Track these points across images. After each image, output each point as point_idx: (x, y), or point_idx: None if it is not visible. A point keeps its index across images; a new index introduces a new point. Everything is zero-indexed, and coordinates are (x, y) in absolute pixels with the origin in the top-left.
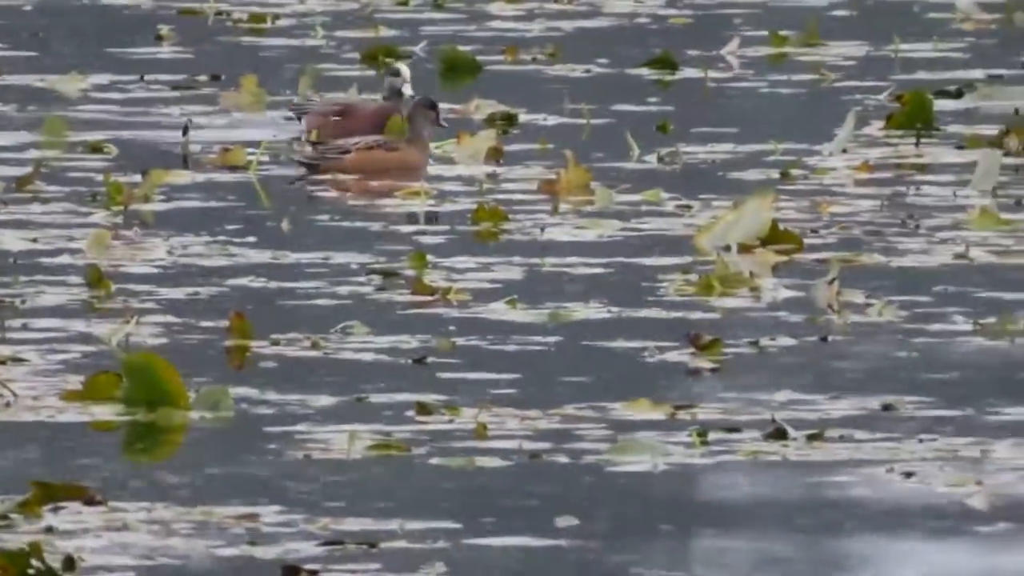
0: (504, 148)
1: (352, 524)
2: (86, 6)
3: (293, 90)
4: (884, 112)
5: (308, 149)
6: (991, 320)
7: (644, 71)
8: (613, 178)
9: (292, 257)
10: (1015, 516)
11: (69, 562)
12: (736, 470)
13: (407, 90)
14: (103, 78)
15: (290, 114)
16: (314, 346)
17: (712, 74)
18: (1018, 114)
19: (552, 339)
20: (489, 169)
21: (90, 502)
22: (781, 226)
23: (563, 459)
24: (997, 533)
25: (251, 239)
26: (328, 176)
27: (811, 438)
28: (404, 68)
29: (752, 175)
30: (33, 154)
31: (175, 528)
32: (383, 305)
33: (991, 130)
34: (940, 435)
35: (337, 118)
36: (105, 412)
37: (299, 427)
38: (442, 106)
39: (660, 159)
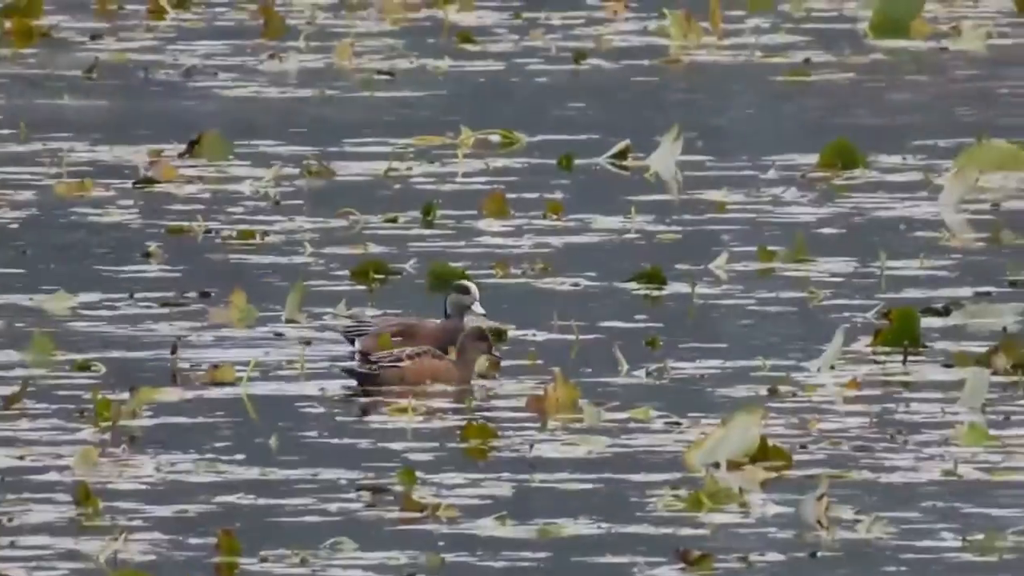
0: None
1: None
2: (73, 223)
3: (282, 306)
4: (872, 329)
5: (355, 363)
6: (979, 537)
7: (632, 286)
8: (601, 394)
9: (280, 474)
10: None
11: None
12: None
13: (477, 308)
14: (91, 296)
15: (340, 335)
16: (303, 563)
17: (700, 289)
18: (1006, 332)
19: (542, 555)
20: (482, 383)
21: None
22: (770, 442)
23: None
24: None
25: (239, 456)
26: (385, 387)
27: None
28: (473, 286)
29: (740, 391)
30: (20, 372)
31: None
32: (372, 521)
33: (979, 348)
34: None
35: (398, 338)
36: None
37: None
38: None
39: (648, 374)
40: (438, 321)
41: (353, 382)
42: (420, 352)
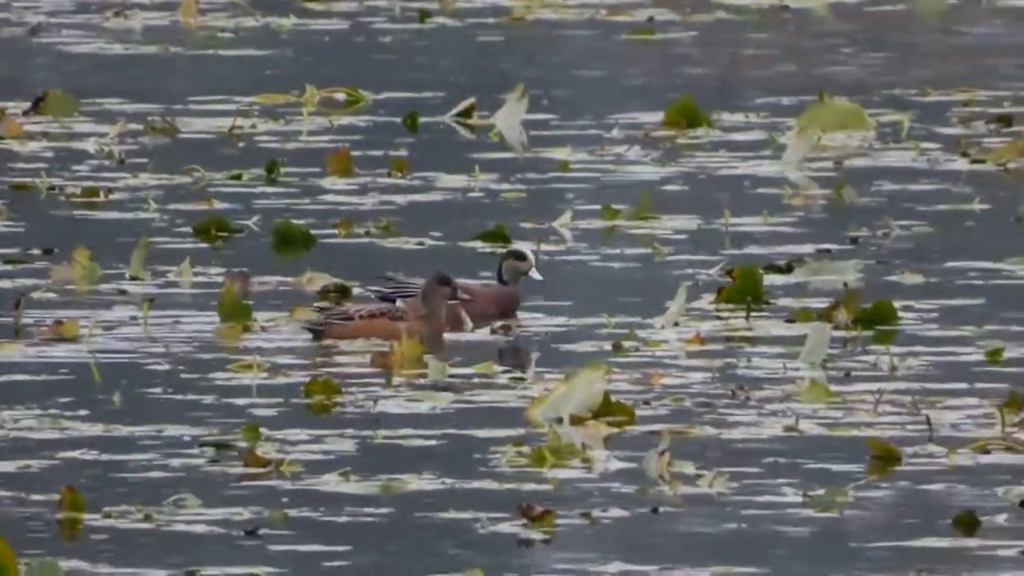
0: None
1: None
2: None
3: (126, 264)
4: (715, 286)
5: (315, 315)
6: (820, 492)
7: (478, 244)
8: (447, 350)
9: (124, 430)
10: None
11: None
12: None
13: (535, 274)
14: None
15: (375, 295)
16: (147, 519)
17: (545, 247)
18: (847, 288)
19: (385, 510)
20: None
21: None
22: (613, 398)
23: None
24: None
25: (83, 412)
26: (331, 341)
27: None
28: (530, 252)
29: (584, 347)
30: None
31: None
32: (216, 477)
33: (820, 304)
34: None
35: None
36: None
37: None
38: (273, 279)
39: (493, 331)
40: (493, 285)
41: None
42: (376, 312)
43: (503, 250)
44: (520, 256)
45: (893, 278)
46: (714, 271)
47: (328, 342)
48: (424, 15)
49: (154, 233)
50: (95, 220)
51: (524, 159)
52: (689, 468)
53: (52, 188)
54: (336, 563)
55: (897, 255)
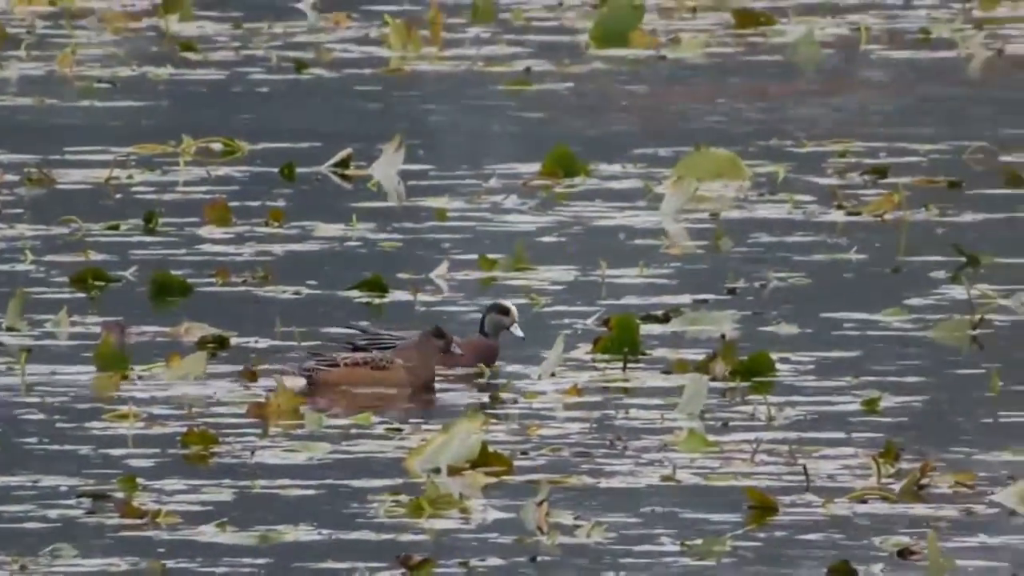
0: (210, 370)
1: None
2: None
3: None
4: (592, 336)
5: (311, 362)
6: (698, 541)
7: (354, 293)
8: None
9: (0, 481)
10: None
11: None
12: None
13: (516, 331)
14: None
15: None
16: (22, 569)
17: (422, 297)
18: (724, 339)
19: (263, 561)
20: (200, 392)
21: None
22: (491, 448)
23: None
24: None
25: None
26: (317, 386)
27: None
28: (513, 307)
29: (462, 398)
30: None
31: None
32: (93, 528)
33: (697, 355)
34: None
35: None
36: None
37: None
38: (150, 329)
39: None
40: (474, 337)
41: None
42: (359, 360)
43: (488, 303)
44: (503, 311)
45: (770, 329)
46: (591, 321)
47: (319, 386)
48: (301, 65)
49: (31, 284)
50: None
51: (401, 209)
52: (567, 518)
53: None
54: None
55: (774, 306)
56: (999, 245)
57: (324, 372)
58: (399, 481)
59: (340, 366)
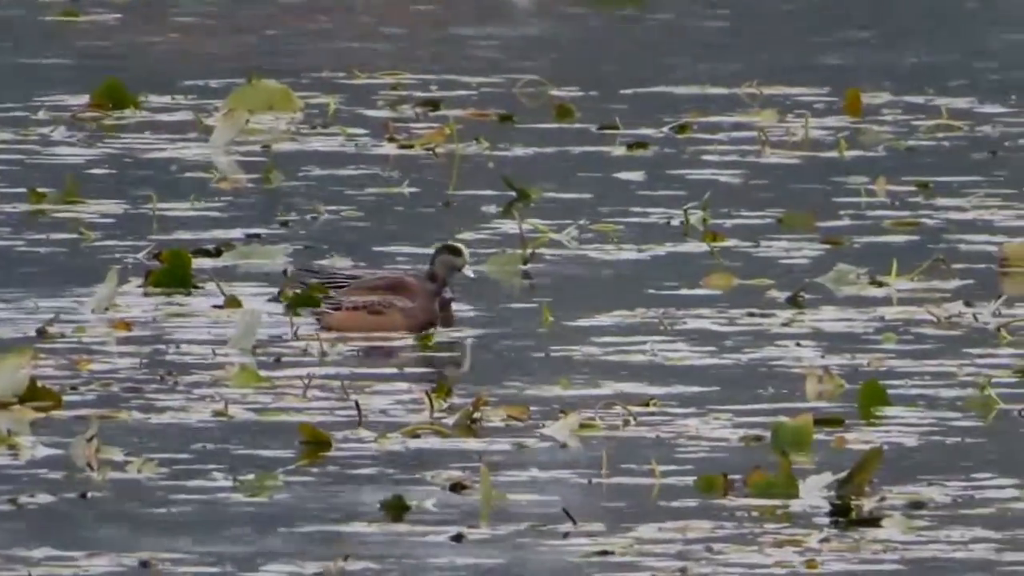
0: None
1: None
2: None
3: None
4: (144, 270)
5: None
6: (250, 477)
7: None
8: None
9: None
10: None
11: None
12: None
13: (468, 271)
14: None
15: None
16: None
17: None
18: (286, 274)
19: None
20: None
21: None
22: (39, 383)
23: None
24: None
25: None
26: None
27: None
28: (465, 248)
29: (9, 332)
30: None
31: None
32: None
33: (250, 288)
34: None
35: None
36: None
37: None
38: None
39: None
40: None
41: None
42: (360, 304)
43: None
44: (456, 251)
45: (323, 262)
46: (142, 255)
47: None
48: None
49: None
50: None
51: None
52: (118, 454)
53: None
54: None
55: (326, 239)
56: (550, 179)
57: (328, 315)
58: None
59: (343, 310)
